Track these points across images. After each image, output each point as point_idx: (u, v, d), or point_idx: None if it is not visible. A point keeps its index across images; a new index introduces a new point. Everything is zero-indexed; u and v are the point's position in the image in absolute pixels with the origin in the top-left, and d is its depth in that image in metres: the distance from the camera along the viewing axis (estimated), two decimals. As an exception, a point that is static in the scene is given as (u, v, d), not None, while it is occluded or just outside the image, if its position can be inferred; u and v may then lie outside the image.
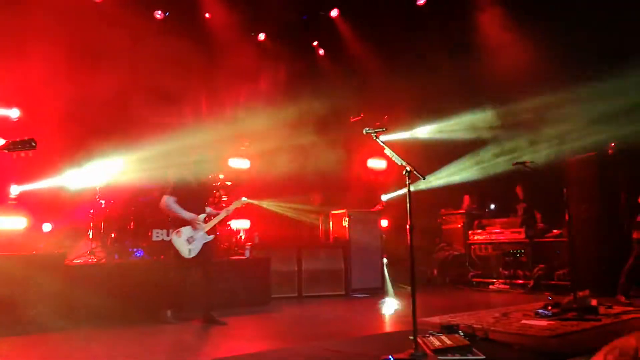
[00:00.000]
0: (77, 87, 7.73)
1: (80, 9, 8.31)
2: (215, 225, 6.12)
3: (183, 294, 5.94)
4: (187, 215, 5.82)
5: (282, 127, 9.88)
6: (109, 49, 8.31)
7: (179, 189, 5.91)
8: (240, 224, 8.62)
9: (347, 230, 8.73)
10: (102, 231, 7.08)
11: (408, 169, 3.92)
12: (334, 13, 10.69)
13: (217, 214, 6.13)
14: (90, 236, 7.03)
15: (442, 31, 9.71)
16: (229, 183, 8.37)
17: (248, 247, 7.77)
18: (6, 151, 3.21)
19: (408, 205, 3.87)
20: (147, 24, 9.05)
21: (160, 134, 7.75)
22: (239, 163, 9.63)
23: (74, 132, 7.87)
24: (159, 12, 9.32)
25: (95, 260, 6.60)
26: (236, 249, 7.93)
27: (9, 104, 7.34)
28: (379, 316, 6.76)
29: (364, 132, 4.27)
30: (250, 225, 8.82)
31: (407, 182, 3.91)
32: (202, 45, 9.30)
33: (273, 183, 9.21)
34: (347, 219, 8.78)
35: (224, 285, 6.89)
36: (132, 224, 7.12)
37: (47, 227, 7.97)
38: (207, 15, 9.73)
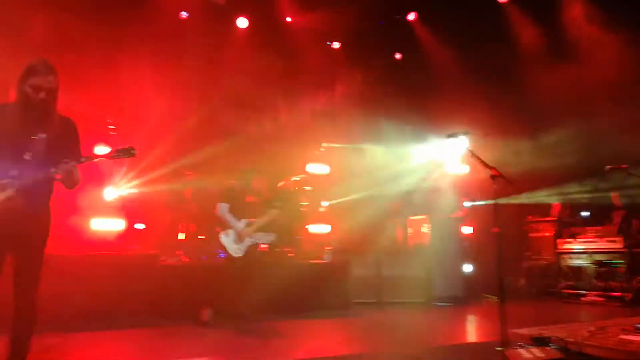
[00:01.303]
0: (165, 98, 8.19)
1: (166, 24, 8.80)
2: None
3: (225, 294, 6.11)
4: (234, 224, 6.09)
5: (358, 132, 9.92)
6: (193, 60, 8.71)
7: (232, 196, 6.21)
8: (320, 229, 8.71)
9: (427, 236, 8.56)
10: (190, 232, 7.44)
11: (494, 174, 3.79)
12: (412, 17, 10.57)
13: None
14: (180, 237, 7.41)
15: (530, 33, 9.27)
16: (308, 188, 8.50)
17: (327, 251, 7.82)
18: (110, 159, 3.42)
19: (494, 211, 3.74)
20: (228, 35, 9.40)
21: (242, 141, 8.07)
22: (318, 168, 9.72)
23: (165, 141, 8.31)
24: (243, 20, 9.60)
25: (184, 260, 6.95)
26: (316, 252, 8.01)
27: (107, 116, 7.90)
28: (462, 325, 6.56)
29: (446, 136, 4.19)
30: (330, 230, 8.87)
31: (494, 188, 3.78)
32: (280, 54, 9.51)
33: (353, 187, 9.22)
34: (427, 224, 8.61)
35: (305, 289, 7.01)
36: (217, 227, 7.39)
37: (139, 226, 8.47)
38: (288, 19, 9.89)
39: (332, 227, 8.92)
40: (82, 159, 3.28)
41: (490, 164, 3.85)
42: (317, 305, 6.99)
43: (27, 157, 3.18)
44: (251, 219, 6.15)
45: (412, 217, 9.12)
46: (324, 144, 9.87)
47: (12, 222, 3.11)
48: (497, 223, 3.72)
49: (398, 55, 11.10)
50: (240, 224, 6.10)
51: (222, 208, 6.17)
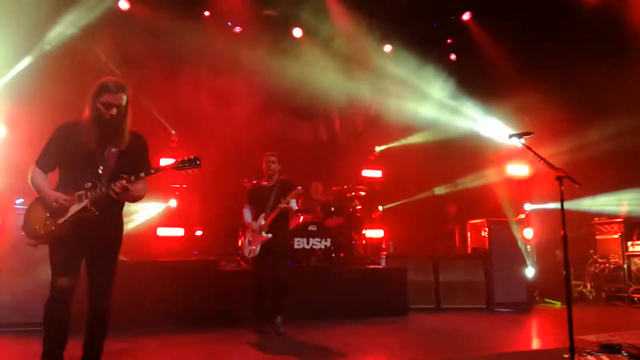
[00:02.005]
0: (221, 107, 8.43)
1: (221, 36, 9.07)
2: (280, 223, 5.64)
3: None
4: (245, 218, 5.83)
5: (414, 135, 9.84)
6: (246, 70, 8.92)
7: (252, 194, 5.88)
8: (375, 233, 8.69)
9: (487, 240, 8.35)
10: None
11: (560, 175, 3.67)
12: (466, 16, 10.38)
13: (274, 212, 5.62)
14: (240, 243, 7.59)
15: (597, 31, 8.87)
16: (362, 193, 8.51)
17: (383, 256, 7.79)
18: (176, 170, 3.55)
19: (562, 214, 3.61)
20: (285, 44, 9.55)
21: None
22: (372, 173, 9.71)
23: (222, 150, 8.55)
24: (299, 30, 9.74)
25: (242, 266, 7.12)
26: (371, 258, 8.00)
27: (170, 127, 8.23)
28: (526, 332, 6.35)
29: (508, 136, 4.09)
30: (385, 235, 8.83)
31: (560, 190, 3.66)
32: (334, 60, 9.57)
33: (407, 192, 9.15)
34: (486, 228, 8.40)
35: (360, 294, 7.02)
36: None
37: (198, 233, 8.74)
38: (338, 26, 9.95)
39: (387, 231, 8.88)
40: (152, 171, 3.43)
41: (555, 165, 3.74)
42: (373, 311, 6.96)
43: (100, 170, 3.37)
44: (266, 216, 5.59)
45: (471, 221, 8.94)
46: (378, 148, 9.86)
47: (87, 231, 3.30)
48: (563, 226, 3.59)
49: (453, 56, 10.93)
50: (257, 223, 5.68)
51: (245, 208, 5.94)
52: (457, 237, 9.45)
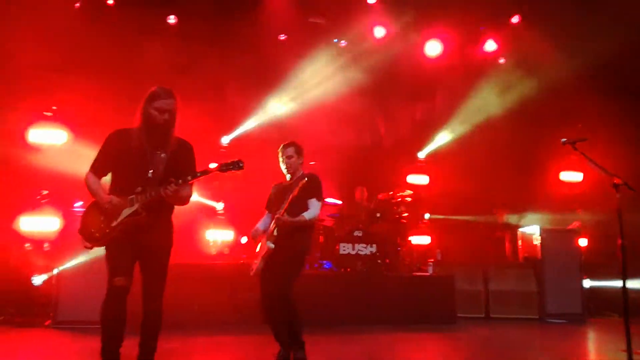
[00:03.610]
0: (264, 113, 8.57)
1: (266, 44, 9.23)
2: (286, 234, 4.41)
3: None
4: (255, 228, 4.77)
5: (461, 142, 9.66)
6: (291, 77, 9.03)
7: (270, 197, 4.81)
8: (422, 240, 8.57)
9: (539, 249, 8.08)
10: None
11: (617, 182, 3.51)
12: (515, 19, 10.13)
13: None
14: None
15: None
16: (408, 199, 8.42)
17: (430, 263, 7.67)
18: (220, 172, 3.66)
19: (619, 222, 3.45)
20: (328, 52, 9.61)
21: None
22: (418, 179, 9.60)
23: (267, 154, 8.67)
24: (343, 41, 9.81)
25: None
26: (418, 265, 7.90)
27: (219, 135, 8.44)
28: (581, 345, 6.09)
29: (562, 142, 3.95)
30: (432, 242, 8.70)
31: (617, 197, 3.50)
32: (378, 66, 9.55)
33: (454, 198, 8.98)
34: (538, 236, 8.13)
35: (407, 301, 6.96)
36: (321, 237, 7.58)
37: (243, 239, 8.89)
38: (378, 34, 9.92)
39: (435, 238, 8.74)
40: (198, 174, 3.54)
41: (611, 172, 3.58)
42: (420, 318, 6.89)
43: (149, 174, 3.50)
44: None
45: (522, 229, 8.68)
46: (424, 154, 9.74)
47: (139, 234, 3.42)
48: (621, 234, 3.43)
49: (502, 60, 10.68)
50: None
51: None
52: (507, 245, 9.19)
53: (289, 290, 4.35)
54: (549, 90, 9.41)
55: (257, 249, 4.51)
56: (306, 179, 4.37)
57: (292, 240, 4.41)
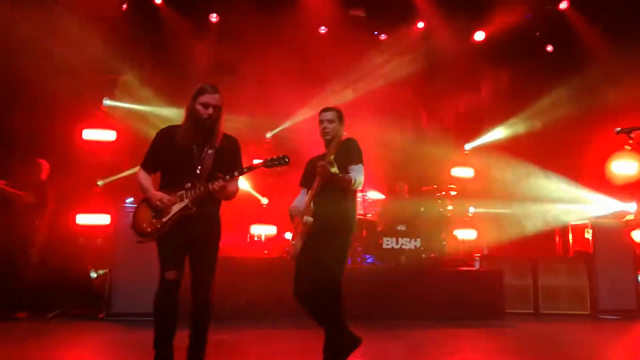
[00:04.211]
0: (307, 108, 8.59)
1: (306, 39, 9.25)
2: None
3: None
4: (291, 206, 4.30)
5: (507, 131, 9.45)
6: (333, 72, 9.01)
7: (306, 171, 4.30)
8: (467, 234, 8.43)
9: (590, 243, 7.80)
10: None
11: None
12: (564, 5, 9.76)
13: None
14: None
15: None
16: (453, 193, 8.29)
17: (477, 258, 7.53)
18: (266, 167, 3.71)
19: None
20: (369, 45, 9.55)
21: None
22: (463, 172, 9.43)
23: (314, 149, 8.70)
24: (383, 35, 9.73)
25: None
26: (464, 259, 7.77)
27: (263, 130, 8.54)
28: (635, 342, 5.85)
29: (616, 131, 3.78)
30: (478, 236, 8.54)
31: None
32: (419, 57, 9.42)
33: (500, 191, 8.78)
34: (590, 230, 7.85)
35: (453, 296, 6.86)
36: (364, 231, 7.56)
37: (288, 235, 8.98)
38: (420, 25, 9.77)
39: (481, 232, 8.58)
40: (245, 170, 3.62)
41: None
42: (467, 314, 6.78)
43: (198, 170, 3.58)
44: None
45: (572, 222, 8.40)
46: (469, 146, 9.56)
47: (189, 228, 3.52)
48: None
49: (549, 48, 10.33)
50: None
51: None
52: (557, 238, 8.92)
53: (338, 281, 3.81)
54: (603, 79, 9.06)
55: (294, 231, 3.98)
56: (343, 144, 3.81)
57: (334, 211, 3.80)
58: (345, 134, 3.94)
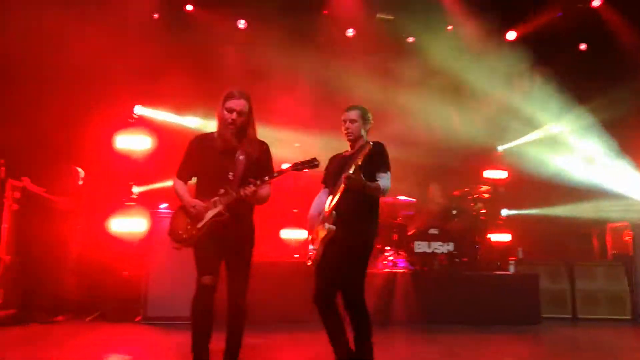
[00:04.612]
0: (333, 110, 8.57)
1: (333, 43, 9.25)
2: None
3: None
4: (312, 209, 4.26)
5: (539, 133, 9.26)
6: (360, 74, 8.98)
7: (327, 170, 4.21)
8: (501, 238, 8.28)
9: (630, 245, 7.57)
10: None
11: None
12: (597, 3, 9.52)
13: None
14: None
15: None
16: (486, 195, 8.15)
17: (512, 262, 7.39)
18: (296, 171, 3.72)
19: None
20: (399, 47, 9.49)
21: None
22: (496, 174, 9.25)
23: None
24: (411, 38, 9.67)
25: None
26: (498, 263, 7.64)
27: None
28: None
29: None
30: (512, 239, 8.38)
31: None
32: (448, 58, 9.32)
33: (535, 193, 8.61)
34: (630, 232, 7.61)
35: (487, 301, 6.77)
36: (395, 235, 7.51)
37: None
38: (449, 27, 9.68)
39: (516, 235, 8.41)
40: (275, 174, 3.65)
41: None
42: (502, 318, 6.67)
43: (230, 176, 3.62)
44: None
45: (611, 224, 8.16)
46: (500, 148, 9.40)
47: (223, 234, 3.56)
48: None
49: (583, 46, 10.08)
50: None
51: None
52: (594, 241, 8.68)
53: (362, 293, 3.73)
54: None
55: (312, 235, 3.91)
56: (371, 145, 3.64)
57: (356, 223, 3.72)
58: (366, 139, 3.92)
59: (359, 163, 3.54)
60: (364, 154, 3.58)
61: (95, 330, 5.81)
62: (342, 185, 3.62)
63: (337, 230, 3.65)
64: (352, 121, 3.93)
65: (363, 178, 3.56)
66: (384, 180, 3.76)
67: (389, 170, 3.83)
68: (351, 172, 3.53)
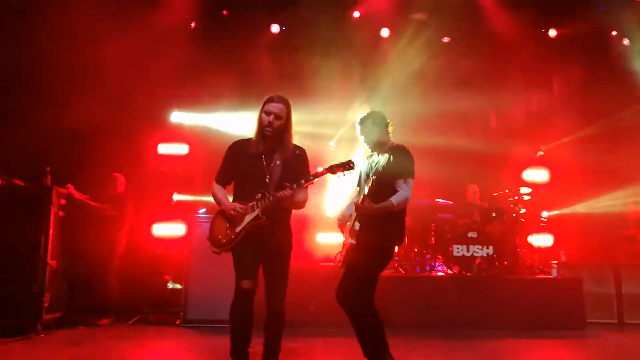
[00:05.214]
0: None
1: (372, 45, 9.21)
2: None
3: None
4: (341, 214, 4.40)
5: (583, 129, 8.98)
6: (395, 74, 8.91)
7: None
8: (543, 240, 8.06)
9: (680, 247, 7.26)
10: (406, 245, 7.56)
11: None
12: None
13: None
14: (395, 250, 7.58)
15: None
16: (526, 197, 7.95)
17: (554, 265, 7.19)
18: (332, 173, 3.73)
19: None
20: (436, 46, 9.38)
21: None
22: (536, 174, 9.01)
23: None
24: (446, 39, 9.54)
25: (402, 272, 7.11)
26: (540, 267, 7.44)
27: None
28: None
29: None
30: (554, 242, 8.14)
31: None
32: (485, 57, 9.15)
33: (578, 193, 8.36)
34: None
35: (529, 305, 6.61)
36: (432, 239, 7.41)
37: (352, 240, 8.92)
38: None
39: (559, 237, 8.17)
40: (310, 178, 3.67)
41: None
42: (545, 324, 6.51)
43: (267, 180, 3.66)
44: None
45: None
46: (543, 148, 9.15)
47: (261, 238, 3.60)
48: None
49: (626, 41, 9.73)
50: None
51: None
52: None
53: (369, 296, 3.82)
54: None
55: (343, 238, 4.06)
56: (391, 154, 3.71)
57: (373, 233, 3.74)
58: (384, 134, 3.97)
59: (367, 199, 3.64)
60: (384, 165, 3.73)
61: (137, 333, 5.93)
62: (364, 196, 3.70)
63: (357, 237, 3.80)
64: (367, 130, 4.01)
65: (373, 205, 3.64)
66: (402, 190, 3.74)
67: (411, 177, 3.82)
68: (360, 201, 3.68)
